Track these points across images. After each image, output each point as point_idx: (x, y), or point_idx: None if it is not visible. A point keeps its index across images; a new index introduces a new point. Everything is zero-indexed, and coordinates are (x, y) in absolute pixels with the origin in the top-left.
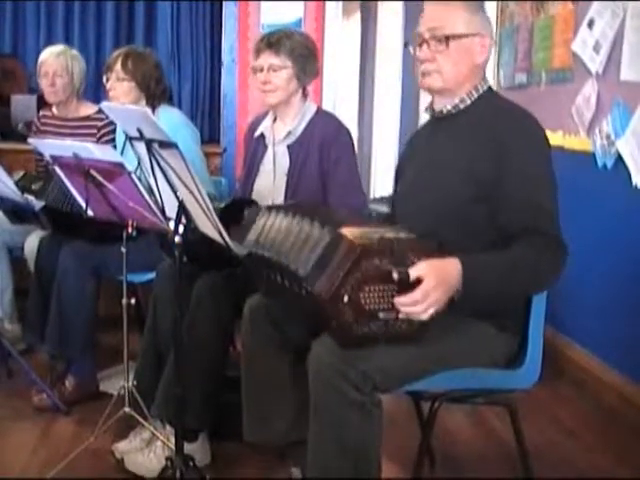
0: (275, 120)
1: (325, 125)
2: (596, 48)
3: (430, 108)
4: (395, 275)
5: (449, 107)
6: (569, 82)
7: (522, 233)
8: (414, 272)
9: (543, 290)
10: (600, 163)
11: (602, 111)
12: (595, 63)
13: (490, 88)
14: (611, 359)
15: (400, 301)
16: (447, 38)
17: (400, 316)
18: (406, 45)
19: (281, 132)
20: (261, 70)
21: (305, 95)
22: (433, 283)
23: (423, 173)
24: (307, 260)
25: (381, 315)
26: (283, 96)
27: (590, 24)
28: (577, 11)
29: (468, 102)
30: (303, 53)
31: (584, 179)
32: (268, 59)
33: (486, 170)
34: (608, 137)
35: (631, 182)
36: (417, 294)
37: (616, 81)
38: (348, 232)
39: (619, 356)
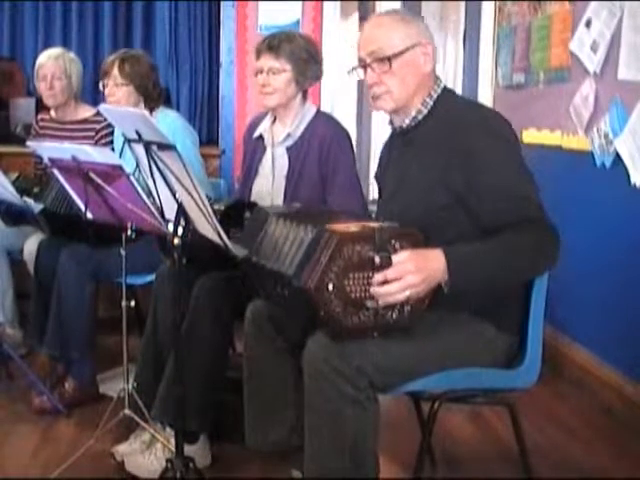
0: (274, 121)
1: (324, 127)
2: (594, 47)
3: (390, 123)
4: (377, 260)
5: (407, 121)
6: (567, 82)
7: (509, 225)
8: (396, 258)
9: (538, 273)
10: (598, 162)
11: (600, 110)
12: (593, 62)
13: (445, 88)
14: (610, 358)
15: (376, 278)
16: (389, 59)
17: (382, 304)
18: (349, 72)
19: (280, 134)
20: (261, 72)
21: (305, 98)
22: (411, 267)
23: (397, 186)
24: (294, 260)
25: (369, 304)
26: (281, 99)
27: (587, 24)
28: (574, 11)
29: (425, 112)
30: (303, 57)
31: (582, 178)
32: (268, 62)
33: (457, 176)
34: (606, 136)
35: (629, 181)
36: (391, 272)
37: (614, 80)
38: (332, 226)
39: (618, 355)
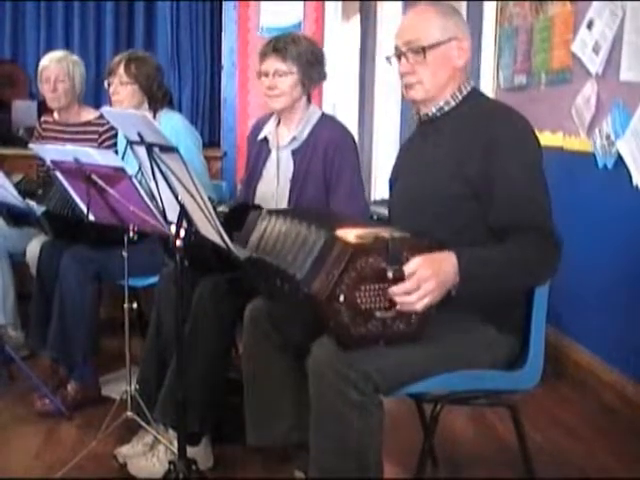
0: (279, 124)
1: (330, 131)
2: (595, 49)
3: (416, 113)
4: (390, 274)
5: (434, 110)
6: (569, 83)
7: (515, 228)
8: (408, 269)
9: (539, 283)
10: (600, 164)
11: (602, 112)
12: (594, 64)
13: (475, 88)
14: (612, 359)
15: (393, 290)
16: (423, 49)
17: (397, 310)
18: (387, 60)
19: (285, 137)
20: (266, 75)
21: (309, 100)
22: (427, 274)
23: (415, 176)
24: (303, 263)
25: (378, 314)
26: (288, 102)
27: (589, 25)
28: (576, 12)
29: (453, 104)
30: (309, 59)
31: (584, 180)
32: (274, 64)
33: (474, 168)
34: (608, 137)
35: (631, 182)
36: (409, 283)
37: (616, 82)
38: (343, 233)
39: (620, 356)
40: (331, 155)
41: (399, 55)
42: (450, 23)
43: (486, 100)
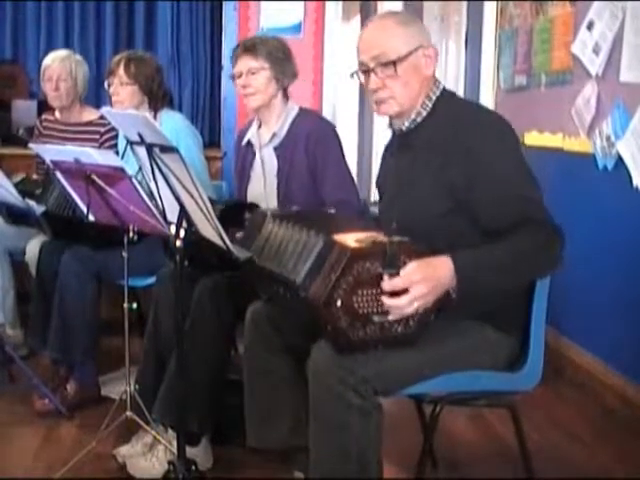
0: (260, 126)
1: (309, 123)
2: (596, 50)
3: (389, 126)
4: (386, 277)
5: (407, 124)
6: (569, 84)
7: (510, 226)
8: (404, 271)
9: (543, 274)
10: (600, 165)
11: (602, 113)
12: (595, 65)
13: (444, 90)
14: (612, 360)
15: (383, 286)
16: (394, 63)
17: (392, 317)
18: (352, 75)
19: (266, 136)
20: (240, 75)
21: (286, 97)
22: (417, 278)
23: (398, 192)
24: (302, 268)
25: (375, 319)
26: (264, 99)
27: (589, 26)
28: (576, 13)
29: (424, 114)
30: (280, 56)
31: (584, 181)
32: (247, 63)
33: (457, 177)
34: (608, 139)
35: (631, 183)
36: (398, 282)
37: (616, 83)
38: (341, 237)
39: (620, 357)
40: (313, 147)
41: (366, 71)
42: (413, 32)
43: (457, 102)
